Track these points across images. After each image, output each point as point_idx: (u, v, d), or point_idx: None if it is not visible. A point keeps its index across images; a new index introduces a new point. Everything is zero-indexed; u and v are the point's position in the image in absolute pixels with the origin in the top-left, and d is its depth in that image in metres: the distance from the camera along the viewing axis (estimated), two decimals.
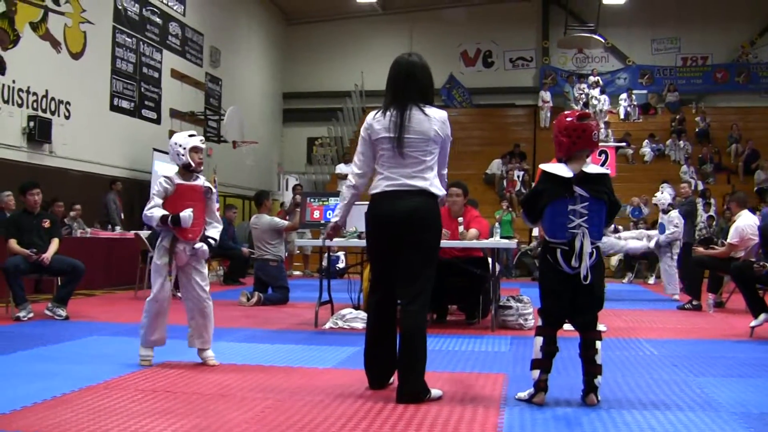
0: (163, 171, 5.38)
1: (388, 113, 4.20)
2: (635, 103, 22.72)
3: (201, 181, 5.31)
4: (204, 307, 5.20)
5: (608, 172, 4.34)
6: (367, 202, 4.33)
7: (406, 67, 4.26)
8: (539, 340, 4.11)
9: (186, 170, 5.20)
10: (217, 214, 5.44)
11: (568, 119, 4.16)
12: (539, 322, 4.20)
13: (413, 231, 4.13)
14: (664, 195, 10.85)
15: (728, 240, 8.82)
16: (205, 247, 5.21)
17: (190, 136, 5.23)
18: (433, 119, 4.18)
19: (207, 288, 5.29)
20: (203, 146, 5.26)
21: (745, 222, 8.65)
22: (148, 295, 5.18)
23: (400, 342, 4.12)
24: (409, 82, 4.22)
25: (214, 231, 5.34)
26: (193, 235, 5.12)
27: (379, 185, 4.24)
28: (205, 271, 5.31)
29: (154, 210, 5.05)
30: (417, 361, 4.06)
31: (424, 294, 4.17)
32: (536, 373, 4.08)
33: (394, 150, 4.16)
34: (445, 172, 4.41)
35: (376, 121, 4.24)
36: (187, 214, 5.01)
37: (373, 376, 4.39)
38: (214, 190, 5.40)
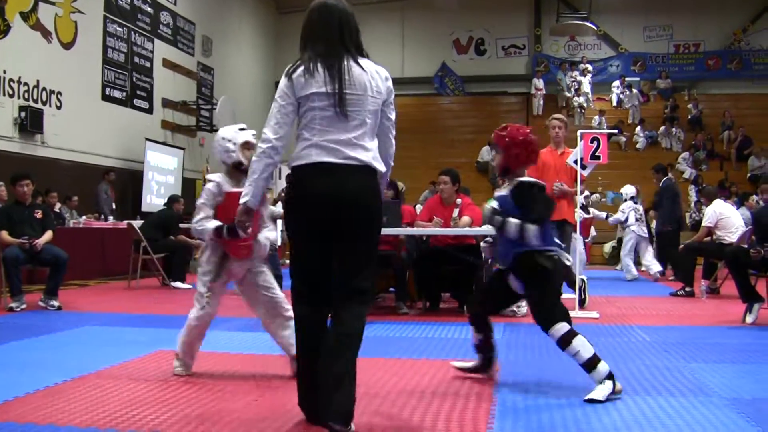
0: (212, 176, 4.64)
1: (319, 64, 3.34)
2: (628, 91, 22.70)
3: None
4: (276, 306, 4.50)
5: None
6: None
7: (338, 13, 3.50)
8: (580, 338, 3.93)
9: (237, 170, 4.55)
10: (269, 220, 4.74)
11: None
12: (562, 326, 3.96)
13: (356, 221, 3.30)
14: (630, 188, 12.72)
15: (703, 223, 9.64)
16: (266, 241, 4.57)
17: (240, 129, 4.63)
18: (371, 72, 3.40)
19: (275, 283, 4.60)
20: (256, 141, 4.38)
21: (718, 207, 9.43)
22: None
23: (335, 346, 3.21)
24: (344, 30, 3.46)
25: (271, 233, 4.68)
26: (247, 252, 4.47)
27: (308, 155, 3.31)
28: (266, 270, 4.60)
29: (204, 221, 4.43)
30: (353, 372, 3.22)
31: (370, 292, 3.44)
32: (602, 366, 3.89)
33: (334, 108, 3.29)
34: (392, 150, 3.56)
35: (301, 74, 3.33)
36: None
37: (313, 406, 3.35)
38: (267, 195, 4.84)
